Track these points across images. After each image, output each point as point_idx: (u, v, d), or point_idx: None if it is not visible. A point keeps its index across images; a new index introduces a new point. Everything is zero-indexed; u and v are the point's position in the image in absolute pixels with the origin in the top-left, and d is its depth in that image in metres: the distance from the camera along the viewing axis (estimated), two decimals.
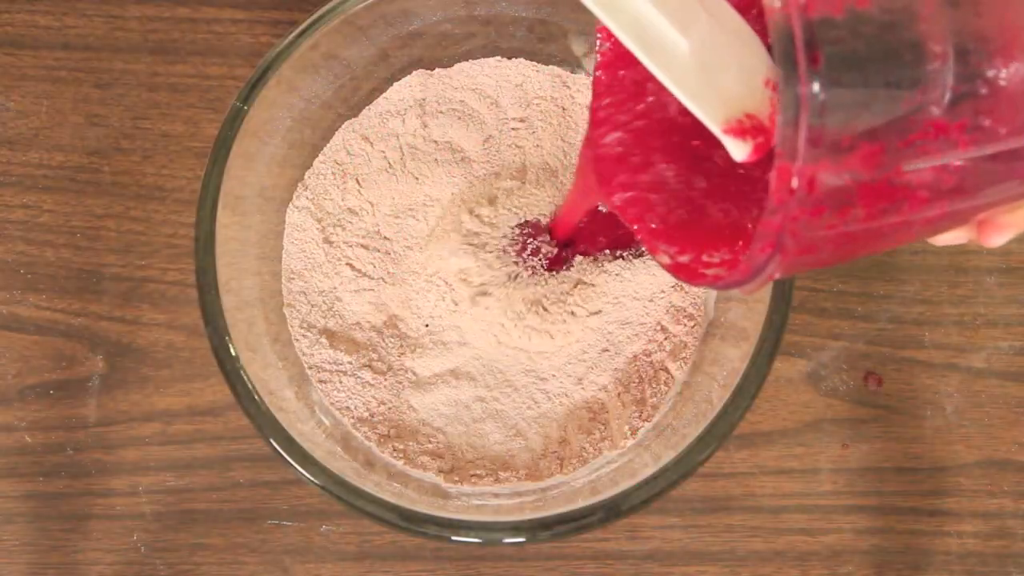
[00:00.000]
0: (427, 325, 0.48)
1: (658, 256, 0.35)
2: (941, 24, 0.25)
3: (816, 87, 0.23)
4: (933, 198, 0.26)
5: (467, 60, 0.50)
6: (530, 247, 0.47)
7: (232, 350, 0.41)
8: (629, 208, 0.36)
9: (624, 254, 0.48)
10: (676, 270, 0.34)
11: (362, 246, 0.49)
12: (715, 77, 0.28)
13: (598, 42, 0.35)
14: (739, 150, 0.28)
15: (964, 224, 0.32)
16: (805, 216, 0.25)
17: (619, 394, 0.47)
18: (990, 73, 0.25)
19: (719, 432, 0.40)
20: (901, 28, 0.25)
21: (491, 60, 0.50)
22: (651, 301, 0.48)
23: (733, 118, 0.28)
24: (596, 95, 0.36)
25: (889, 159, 0.25)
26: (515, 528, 0.40)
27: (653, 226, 0.36)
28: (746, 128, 0.28)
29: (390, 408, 0.48)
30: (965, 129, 0.25)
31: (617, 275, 0.47)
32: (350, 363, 0.48)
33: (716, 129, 0.28)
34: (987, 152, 0.26)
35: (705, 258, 0.34)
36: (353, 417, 0.47)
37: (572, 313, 0.47)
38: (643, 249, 0.48)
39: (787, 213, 0.25)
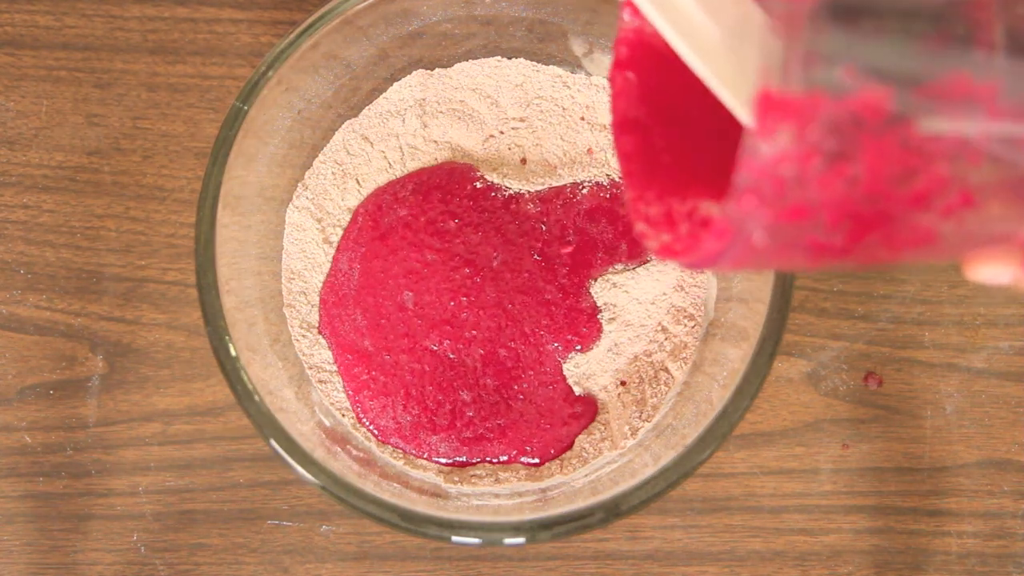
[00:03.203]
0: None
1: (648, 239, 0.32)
2: None
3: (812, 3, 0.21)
4: (954, 178, 0.23)
5: (467, 60, 0.50)
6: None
7: (232, 350, 0.41)
8: (634, 160, 0.33)
9: (632, 266, 0.48)
10: (662, 251, 0.31)
11: None
12: (745, 64, 0.27)
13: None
14: None
15: (1004, 245, 0.27)
16: (794, 161, 0.22)
17: (619, 394, 0.47)
18: None
19: (719, 432, 0.40)
20: None
21: (491, 60, 0.50)
22: (653, 304, 0.48)
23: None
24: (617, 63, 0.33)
25: (899, 109, 0.22)
26: (515, 528, 0.40)
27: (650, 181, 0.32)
28: None
29: None
30: (996, 95, 0.22)
31: (623, 286, 0.48)
32: None
33: (746, 117, 0.26)
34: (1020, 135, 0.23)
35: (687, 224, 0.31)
36: (353, 417, 0.47)
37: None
38: (646, 258, 0.48)
39: (772, 152, 0.22)
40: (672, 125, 0.33)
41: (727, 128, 0.28)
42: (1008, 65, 0.22)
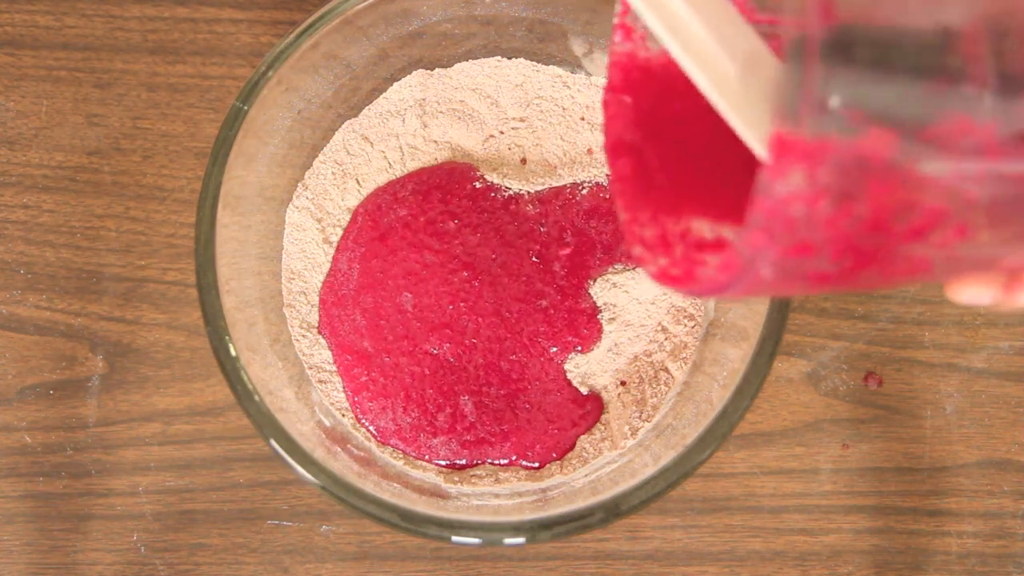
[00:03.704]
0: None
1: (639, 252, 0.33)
2: (978, 11, 0.23)
3: (824, 46, 0.22)
4: (951, 212, 0.24)
5: (467, 60, 0.50)
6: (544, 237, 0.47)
7: (232, 350, 0.41)
8: (626, 184, 0.34)
9: (632, 265, 0.48)
10: (661, 276, 0.32)
11: None
12: (758, 98, 0.27)
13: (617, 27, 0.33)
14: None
15: (988, 270, 0.29)
16: (805, 201, 0.23)
17: (619, 394, 0.47)
18: None
19: (719, 432, 0.40)
20: (929, 13, 0.23)
21: (491, 60, 0.50)
22: (653, 303, 0.48)
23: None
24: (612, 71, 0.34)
25: (904, 151, 0.23)
26: (515, 528, 0.40)
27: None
28: None
29: None
30: (994, 134, 0.23)
31: (623, 286, 0.48)
32: None
33: (759, 149, 0.27)
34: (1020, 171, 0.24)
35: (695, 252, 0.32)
36: (353, 418, 0.47)
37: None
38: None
39: (784, 192, 0.23)
40: (665, 146, 0.33)
41: (720, 147, 0.29)
42: (1000, 100, 0.23)
